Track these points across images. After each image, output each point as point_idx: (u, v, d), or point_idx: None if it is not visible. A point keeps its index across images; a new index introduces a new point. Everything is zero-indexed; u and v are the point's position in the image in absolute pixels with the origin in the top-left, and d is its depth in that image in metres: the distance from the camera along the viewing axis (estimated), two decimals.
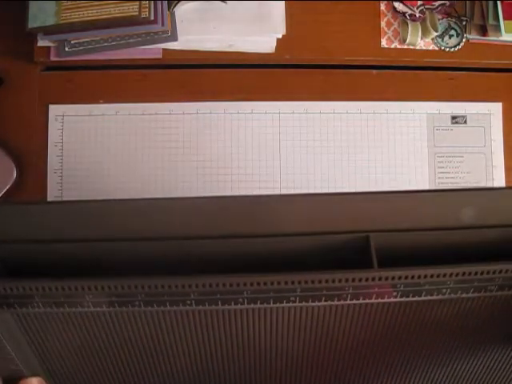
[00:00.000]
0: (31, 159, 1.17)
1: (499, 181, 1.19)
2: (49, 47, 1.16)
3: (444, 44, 1.20)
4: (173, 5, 1.15)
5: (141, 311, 0.62)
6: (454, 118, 1.21)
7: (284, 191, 1.17)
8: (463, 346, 0.74)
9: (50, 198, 1.16)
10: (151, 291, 0.58)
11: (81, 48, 1.15)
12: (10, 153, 1.15)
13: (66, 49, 1.15)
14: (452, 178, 1.19)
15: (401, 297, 0.61)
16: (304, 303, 0.60)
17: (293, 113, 1.20)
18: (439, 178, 1.19)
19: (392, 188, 1.18)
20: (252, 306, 0.60)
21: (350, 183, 1.18)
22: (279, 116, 1.19)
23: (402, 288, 0.59)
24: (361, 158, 1.19)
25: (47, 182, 1.17)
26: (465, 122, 1.20)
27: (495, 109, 1.21)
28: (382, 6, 1.20)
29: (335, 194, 0.59)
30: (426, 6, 1.20)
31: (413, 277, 0.58)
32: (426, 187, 1.18)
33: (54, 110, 1.18)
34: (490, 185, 1.19)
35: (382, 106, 1.21)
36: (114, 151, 1.18)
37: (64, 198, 1.16)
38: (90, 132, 1.18)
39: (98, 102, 1.19)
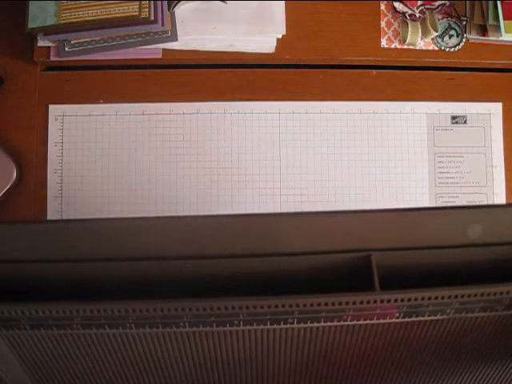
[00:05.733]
0: (31, 159, 1.14)
1: (499, 181, 1.16)
2: (49, 47, 1.13)
3: (444, 44, 1.16)
4: (173, 5, 1.11)
5: (133, 332, 0.57)
6: (453, 118, 1.17)
7: (284, 191, 1.14)
8: (466, 360, 0.70)
9: (49, 198, 1.13)
10: (143, 314, 0.53)
11: (81, 48, 1.12)
12: (10, 153, 1.12)
13: (66, 49, 1.11)
14: (452, 178, 1.15)
15: (403, 317, 0.56)
16: (302, 324, 0.56)
17: (293, 113, 1.16)
18: (439, 178, 1.15)
19: (392, 188, 1.14)
20: (248, 327, 0.55)
21: (349, 183, 1.14)
22: (279, 116, 1.16)
23: (404, 309, 0.55)
24: (360, 158, 1.15)
25: (47, 182, 1.14)
26: (465, 122, 1.17)
27: (495, 109, 1.17)
28: (382, 6, 1.16)
29: (336, 212, 0.55)
30: (426, 6, 1.16)
31: (416, 299, 0.53)
32: (426, 187, 1.15)
33: (54, 110, 1.15)
34: (489, 184, 1.16)
35: (381, 105, 1.17)
36: (114, 151, 1.14)
37: (64, 198, 1.12)
38: (90, 132, 1.14)
39: (98, 102, 1.15)
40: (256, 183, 1.14)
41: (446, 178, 1.16)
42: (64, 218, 1.12)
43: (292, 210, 1.14)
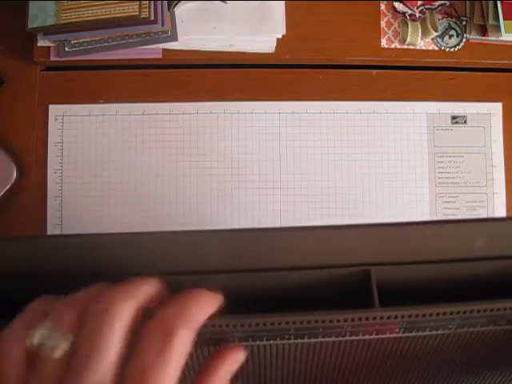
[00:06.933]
0: (31, 159, 1.12)
1: (499, 181, 1.14)
2: (49, 47, 1.11)
3: (444, 44, 1.13)
4: (173, 5, 1.09)
5: None
6: (453, 117, 1.15)
7: (284, 191, 1.12)
8: (468, 373, 0.68)
9: (49, 198, 1.12)
10: None
11: (81, 48, 1.09)
12: (10, 153, 1.10)
13: (66, 49, 1.09)
14: (452, 178, 1.13)
15: (403, 332, 0.54)
16: (299, 340, 0.54)
17: (293, 113, 1.14)
18: (439, 178, 1.13)
19: (392, 188, 1.12)
20: (244, 343, 0.53)
21: (349, 183, 1.12)
22: (279, 116, 1.14)
23: (404, 325, 0.53)
24: (360, 158, 1.13)
25: (47, 182, 1.12)
26: (465, 122, 1.14)
27: (495, 109, 1.15)
28: (382, 6, 1.14)
29: (334, 226, 0.52)
30: (426, 6, 1.13)
31: (417, 315, 0.51)
32: (426, 187, 1.13)
33: (54, 110, 1.13)
34: (489, 184, 1.14)
35: (381, 105, 1.15)
36: (114, 151, 1.12)
37: (64, 198, 1.11)
38: (90, 132, 1.12)
39: (98, 102, 1.13)
40: (256, 183, 1.12)
41: (446, 178, 1.14)
42: (64, 217, 1.11)
43: (291, 209, 1.12)
